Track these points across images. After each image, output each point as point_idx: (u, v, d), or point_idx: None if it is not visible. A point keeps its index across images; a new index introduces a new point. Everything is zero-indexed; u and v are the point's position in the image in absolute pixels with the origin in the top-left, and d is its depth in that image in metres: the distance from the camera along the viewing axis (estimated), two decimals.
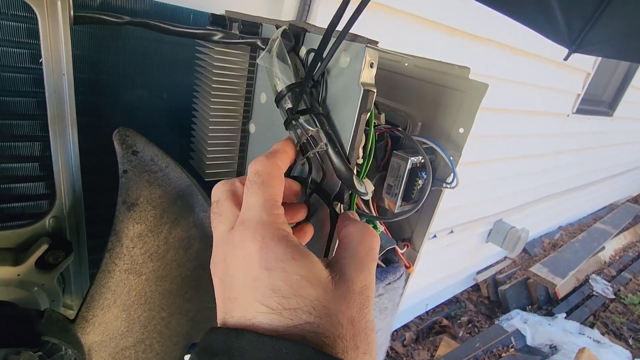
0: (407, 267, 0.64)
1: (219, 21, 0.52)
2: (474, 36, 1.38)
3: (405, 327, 2.42)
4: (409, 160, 0.53)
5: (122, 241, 0.44)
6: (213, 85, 0.47)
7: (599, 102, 3.09)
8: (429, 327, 2.46)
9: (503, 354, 2.20)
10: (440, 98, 0.58)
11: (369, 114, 0.33)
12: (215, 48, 0.46)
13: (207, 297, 0.49)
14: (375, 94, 0.32)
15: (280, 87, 0.36)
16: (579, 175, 3.48)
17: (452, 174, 0.55)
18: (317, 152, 0.34)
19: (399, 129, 0.57)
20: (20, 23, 0.45)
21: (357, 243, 0.28)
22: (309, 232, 0.37)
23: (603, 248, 3.62)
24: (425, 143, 0.55)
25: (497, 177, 2.27)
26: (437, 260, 2.26)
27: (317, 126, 0.34)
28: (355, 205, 0.43)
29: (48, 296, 0.46)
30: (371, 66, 0.32)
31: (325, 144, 0.33)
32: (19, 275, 0.43)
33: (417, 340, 2.35)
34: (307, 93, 0.35)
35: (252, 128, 0.50)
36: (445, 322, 2.49)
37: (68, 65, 0.43)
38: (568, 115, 2.56)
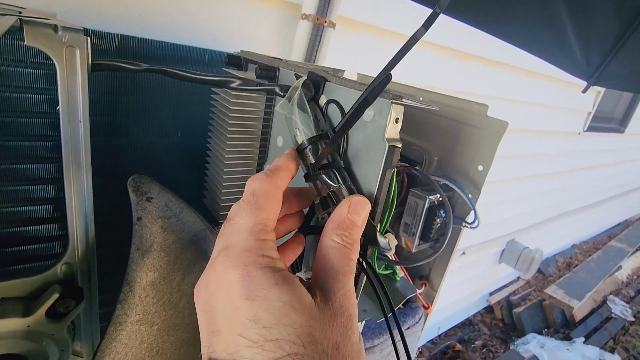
0: (425, 308, 0.61)
1: (235, 61, 0.52)
2: (486, 59, 1.38)
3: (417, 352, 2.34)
4: (427, 200, 0.52)
5: (135, 291, 0.43)
6: (229, 129, 0.46)
7: (610, 119, 3.05)
8: (442, 352, 2.38)
9: None
10: (458, 134, 0.57)
11: (393, 170, 0.32)
12: (232, 92, 0.45)
13: None
14: (401, 149, 0.31)
15: (301, 139, 0.35)
16: (592, 193, 3.41)
17: (472, 213, 0.53)
18: None
19: (416, 168, 0.55)
20: (40, 70, 0.45)
21: (337, 255, 0.26)
22: (299, 247, 0.35)
23: (620, 267, 3.51)
24: (443, 181, 0.54)
25: (509, 198, 2.23)
26: (449, 283, 2.21)
27: (339, 182, 0.32)
28: (376, 255, 0.41)
29: (57, 346, 0.45)
30: (396, 121, 0.31)
31: None
32: (28, 326, 0.42)
33: None
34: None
35: None
36: (458, 346, 2.41)
37: (84, 112, 0.42)
38: (579, 134, 2.53)
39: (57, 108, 0.42)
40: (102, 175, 0.50)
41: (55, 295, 0.44)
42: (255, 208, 0.26)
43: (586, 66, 0.63)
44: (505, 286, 3.00)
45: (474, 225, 0.54)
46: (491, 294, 2.89)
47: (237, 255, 0.23)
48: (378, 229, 0.33)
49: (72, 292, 0.46)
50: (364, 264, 0.34)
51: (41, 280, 0.45)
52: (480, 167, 0.55)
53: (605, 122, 2.95)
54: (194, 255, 0.47)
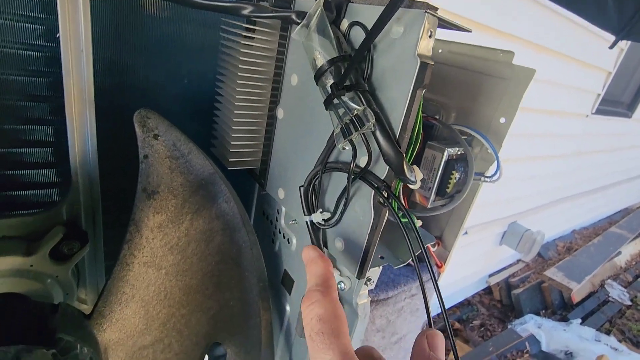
0: (438, 267, 0.60)
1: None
2: (499, 31, 1.33)
3: None
4: (446, 152, 0.49)
5: (142, 232, 0.41)
6: (240, 66, 0.43)
7: (618, 102, 3.00)
8: (440, 330, 2.40)
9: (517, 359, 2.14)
10: (479, 86, 0.54)
11: (424, 90, 0.29)
12: (243, 25, 0.42)
13: (229, 295, 0.46)
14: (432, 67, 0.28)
15: (321, 61, 0.32)
16: (596, 178, 3.39)
17: (495, 166, 0.51)
18: (363, 133, 0.31)
19: (436, 117, 0.53)
20: None
21: None
22: None
23: (619, 253, 3.53)
24: (464, 133, 0.51)
25: (513, 178, 2.21)
26: (450, 262, 2.21)
27: (363, 104, 0.30)
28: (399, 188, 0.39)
29: (62, 289, 0.43)
30: (430, 36, 0.28)
31: (373, 124, 0.30)
32: (31, 266, 0.40)
33: None
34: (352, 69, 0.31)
35: (280, 113, 0.47)
36: (457, 325, 2.44)
37: (87, 41, 0.40)
38: (587, 116, 2.48)
39: (57, 35, 0.39)
40: (105, 117, 0.48)
41: (59, 236, 0.42)
42: (333, 336, 0.23)
43: (617, 20, 0.60)
44: (504, 268, 3.01)
45: (494, 178, 0.52)
46: (490, 275, 2.90)
47: None
48: (405, 157, 0.30)
49: (76, 235, 0.44)
50: (386, 194, 0.32)
51: (43, 220, 0.43)
52: (502, 120, 0.52)
53: (614, 105, 2.90)
54: (202, 199, 0.45)
